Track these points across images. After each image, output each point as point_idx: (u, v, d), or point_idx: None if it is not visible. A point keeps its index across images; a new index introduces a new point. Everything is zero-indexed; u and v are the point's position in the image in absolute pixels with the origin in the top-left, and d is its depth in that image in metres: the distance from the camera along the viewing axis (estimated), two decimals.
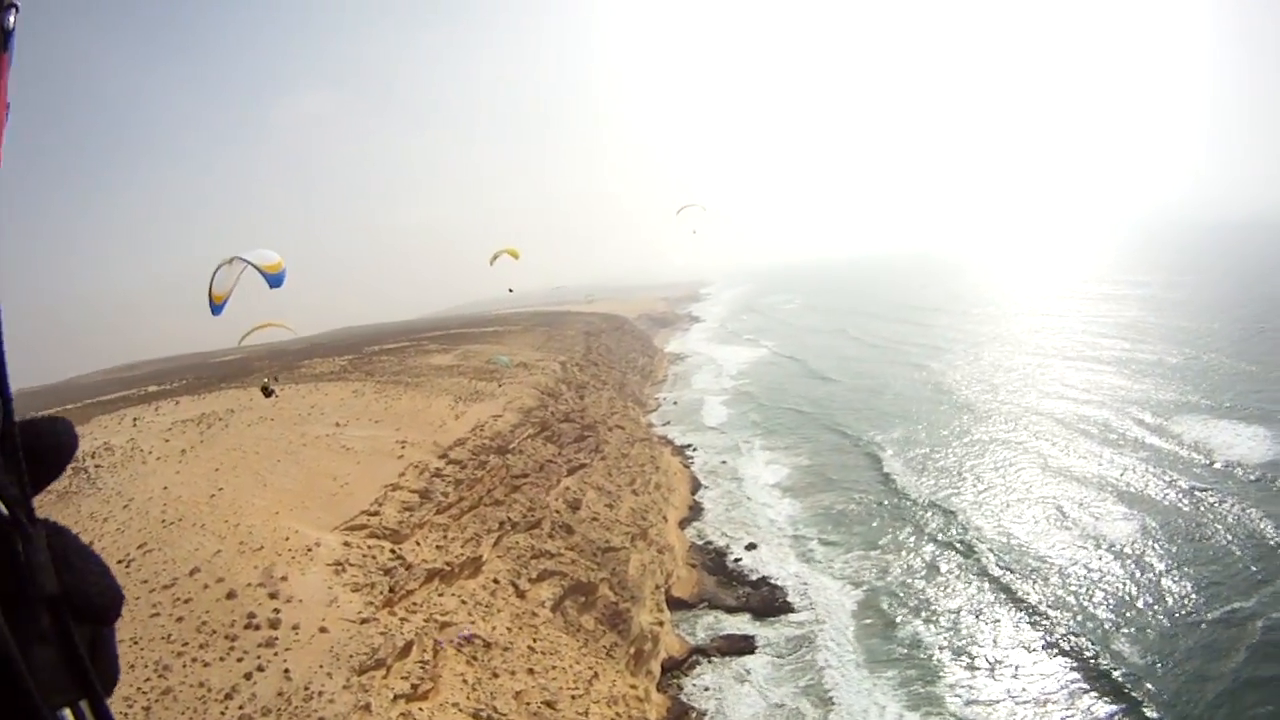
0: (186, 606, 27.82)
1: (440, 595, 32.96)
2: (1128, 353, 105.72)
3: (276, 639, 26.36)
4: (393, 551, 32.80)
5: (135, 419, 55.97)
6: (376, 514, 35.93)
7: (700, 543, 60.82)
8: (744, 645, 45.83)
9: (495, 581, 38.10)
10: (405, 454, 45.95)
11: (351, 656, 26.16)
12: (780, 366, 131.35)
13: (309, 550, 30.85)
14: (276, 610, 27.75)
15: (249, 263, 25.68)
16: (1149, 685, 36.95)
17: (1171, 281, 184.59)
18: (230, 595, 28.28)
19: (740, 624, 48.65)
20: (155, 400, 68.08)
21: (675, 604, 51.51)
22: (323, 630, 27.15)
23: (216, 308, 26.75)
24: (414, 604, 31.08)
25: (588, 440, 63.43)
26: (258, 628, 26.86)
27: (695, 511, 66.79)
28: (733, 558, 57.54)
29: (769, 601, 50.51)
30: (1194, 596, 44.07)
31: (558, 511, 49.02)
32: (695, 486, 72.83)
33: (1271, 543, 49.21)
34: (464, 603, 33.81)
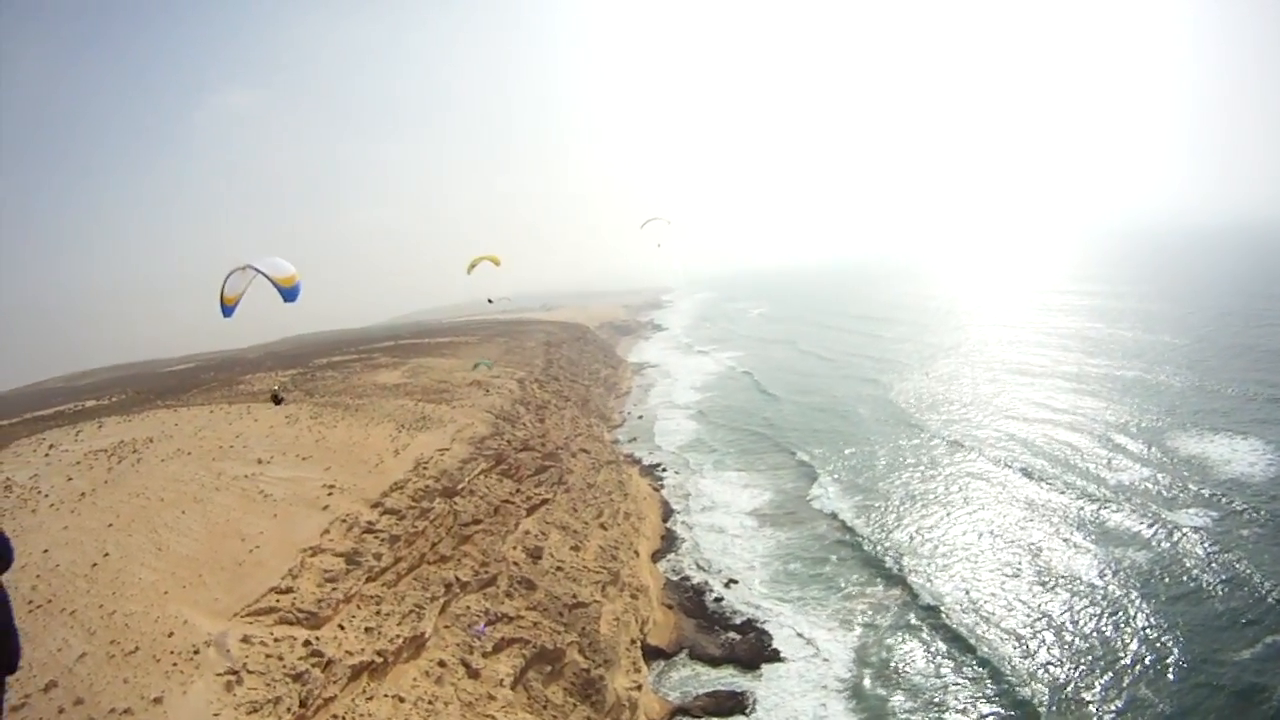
0: None
1: (369, 700, 26.50)
2: (1080, 366, 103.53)
3: None
4: (307, 644, 26.30)
5: (51, 446, 48.19)
6: (289, 590, 29.34)
7: (676, 579, 55.08)
8: (732, 704, 40.09)
9: (441, 665, 31.70)
10: (332, 503, 39.23)
11: None
12: (742, 381, 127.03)
13: (195, 654, 24.26)
14: None
15: (261, 272, 25.82)
16: None
17: (1125, 291, 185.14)
18: None
19: (726, 677, 42.93)
20: (80, 421, 59.92)
21: (652, 653, 45.67)
22: None
23: (228, 310, 27.18)
24: (333, 718, 24.67)
25: (549, 471, 57.15)
26: None
27: (669, 542, 61.01)
28: (712, 596, 51.89)
29: (757, 649, 44.83)
30: (1167, 635, 40.31)
31: (516, 564, 42.71)
32: (667, 513, 67.07)
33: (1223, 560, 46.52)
34: (401, 702, 27.40)
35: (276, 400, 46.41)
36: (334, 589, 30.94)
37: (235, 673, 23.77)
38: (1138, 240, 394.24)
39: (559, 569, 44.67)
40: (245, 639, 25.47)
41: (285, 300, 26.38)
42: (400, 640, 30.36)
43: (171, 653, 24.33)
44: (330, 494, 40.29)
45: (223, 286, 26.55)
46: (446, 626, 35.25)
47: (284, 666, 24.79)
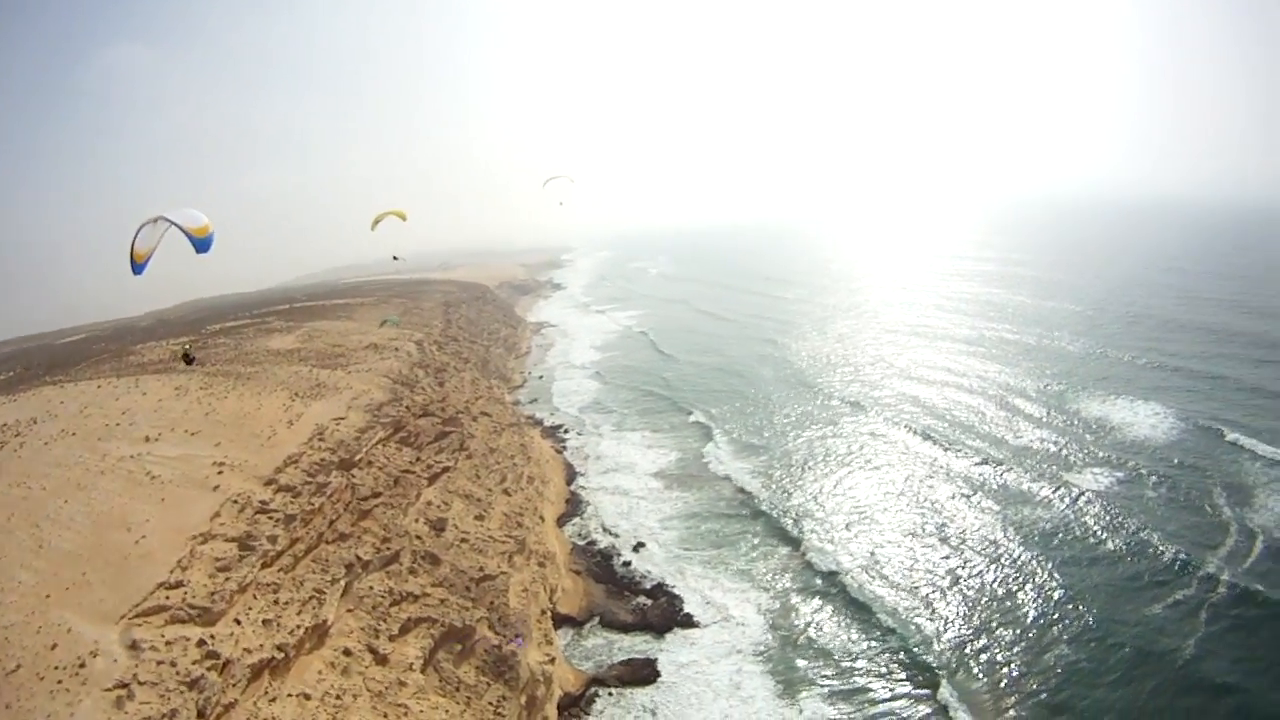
0: None
1: (271, 701, 25.00)
2: (977, 330, 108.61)
3: None
4: (202, 645, 24.45)
5: None
6: (180, 585, 27.18)
7: (583, 543, 54.96)
8: (647, 672, 40.35)
9: (347, 653, 30.33)
10: (223, 482, 36.69)
11: None
12: (641, 340, 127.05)
13: (81, 667, 22.11)
14: None
15: (173, 223, 25.04)
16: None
17: (1027, 259, 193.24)
18: None
19: (640, 644, 43.15)
20: None
21: (562, 621, 45.56)
22: None
23: (138, 267, 26.20)
24: None
25: (450, 436, 55.46)
26: None
27: (574, 506, 60.73)
28: (621, 560, 52.04)
29: (669, 614, 45.27)
30: (1069, 596, 43.02)
31: (419, 537, 41.27)
32: (571, 476, 66.66)
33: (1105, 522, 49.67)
34: (306, 700, 26.04)
35: (188, 359, 45.07)
36: (227, 579, 28.93)
37: (125, 685, 21.83)
38: (1055, 211, 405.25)
39: (464, 540, 43.52)
40: (134, 645, 23.42)
41: (198, 251, 25.82)
42: (301, 631, 28.79)
43: (55, 668, 22.11)
44: (221, 472, 37.67)
45: (133, 242, 25.62)
46: (350, 610, 33.77)
47: (178, 674, 22.97)
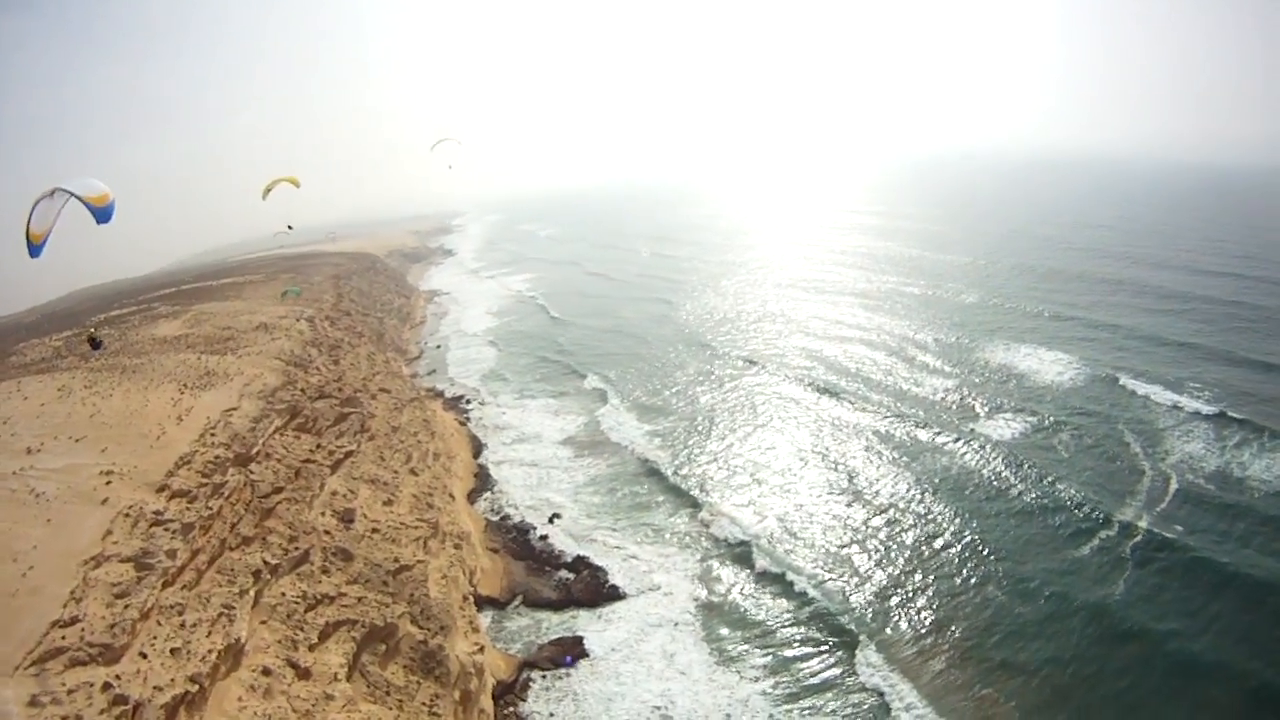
0: None
1: None
2: (870, 283, 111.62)
3: None
4: (108, 688, 22.38)
5: None
6: (75, 621, 24.71)
7: (497, 519, 54.14)
8: (579, 649, 40.30)
9: (266, 673, 28.63)
10: (111, 493, 33.51)
11: None
12: (535, 305, 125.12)
13: None
14: None
15: (71, 193, 23.79)
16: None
17: (915, 213, 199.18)
18: None
19: (567, 621, 43.01)
20: None
21: (484, 603, 44.94)
22: None
23: (35, 248, 24.72)
24: None
25: (350, 418, 52.94)
26: None
27: (483, 480, 59.59)
28: (538, 534, 51.56)
29: (594, 588, 45.25)
30: (982, 548, 45.14)
31: (328, 532, 39.35)
32: (477, 448, 65.23)
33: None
34: None
35: (95, 344, 43.13)
36: (127, 606, 26.59)
37: None
38: (964, 168, 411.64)
39: (375, 530, 41.86)
40: (33, 701, 21.17)
41: (99, 221, 24.68)
42: (214, 655, 26.88)
43: None
44: (109, 482, 34.40)
45: (28, 220, 23.98)
46: (263, 622, 31.88)
47: None
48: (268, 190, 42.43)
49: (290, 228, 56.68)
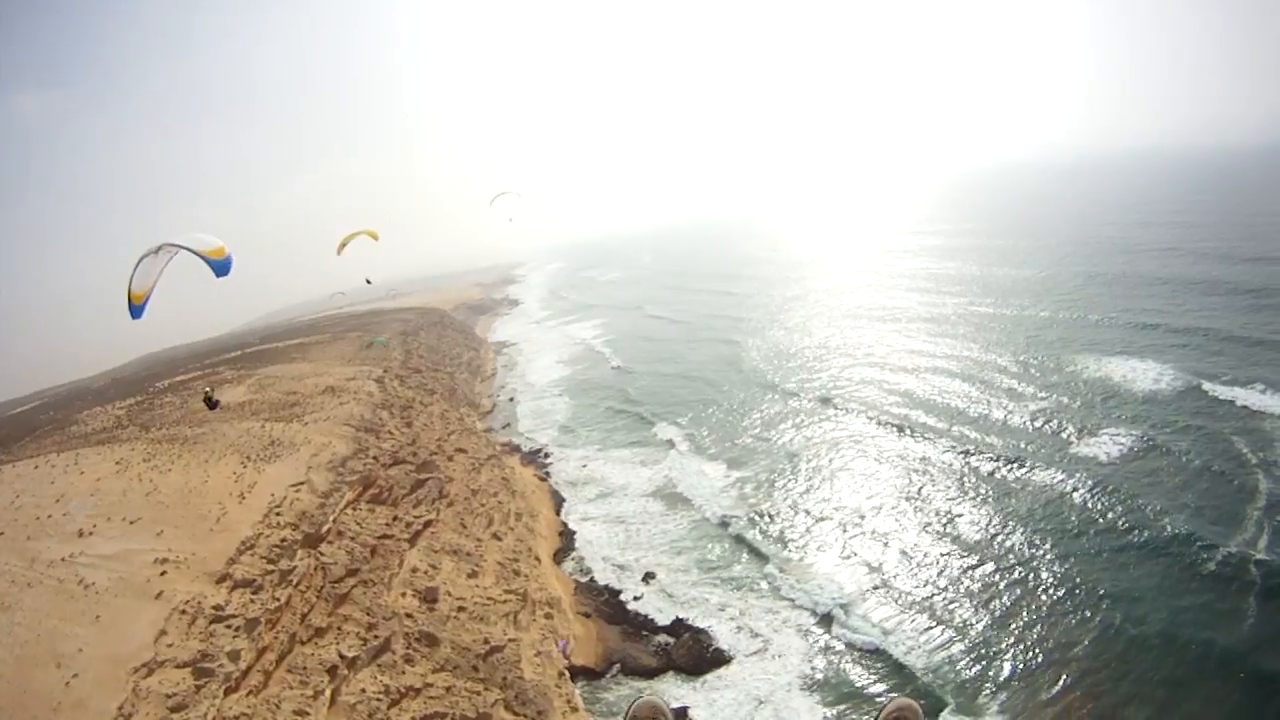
0: None
1: None
2: (934, 306, 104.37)
3: None
4: None
5: None
6: None
7: (585, 580, 49.82)
8: None
9: None
10: (167, 586, 30.92)
11: None
12: (603, 353, 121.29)
13: None
14: None
15: (185, 248, 22.86)
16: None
17: (970, 229, 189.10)
18: None
19: (668, 690, 38.45)
20: None
21: (579, 674, 40.55)
22: None
23: (136, 309, 23.85)
24: None
25: (428, 484, 49.98)
26: None
27: (568, 539, 55.50)
28: (631, 595, 47.05)
29: (696, 652, 40.45)
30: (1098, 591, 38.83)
31: (410, 616, 35.92)
32: (559, 503, 61.47)
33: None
34: None
35: (211, 404, 40.72)
36: None
37: None
38: (1004, 179, 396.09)
39: (461, 609, 38.28)
40: None
41: (218, 275, 23.69)
42: None
43: None
44: (164, 572, 31.86)
45: (130, 280, 23.11)
46: None
47: None
48: (343, 244, 40.74)
49: (369, 282, 57.02)
